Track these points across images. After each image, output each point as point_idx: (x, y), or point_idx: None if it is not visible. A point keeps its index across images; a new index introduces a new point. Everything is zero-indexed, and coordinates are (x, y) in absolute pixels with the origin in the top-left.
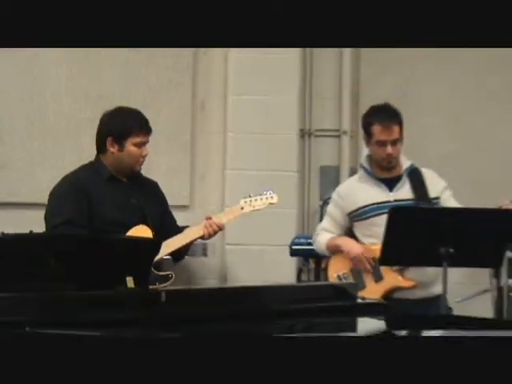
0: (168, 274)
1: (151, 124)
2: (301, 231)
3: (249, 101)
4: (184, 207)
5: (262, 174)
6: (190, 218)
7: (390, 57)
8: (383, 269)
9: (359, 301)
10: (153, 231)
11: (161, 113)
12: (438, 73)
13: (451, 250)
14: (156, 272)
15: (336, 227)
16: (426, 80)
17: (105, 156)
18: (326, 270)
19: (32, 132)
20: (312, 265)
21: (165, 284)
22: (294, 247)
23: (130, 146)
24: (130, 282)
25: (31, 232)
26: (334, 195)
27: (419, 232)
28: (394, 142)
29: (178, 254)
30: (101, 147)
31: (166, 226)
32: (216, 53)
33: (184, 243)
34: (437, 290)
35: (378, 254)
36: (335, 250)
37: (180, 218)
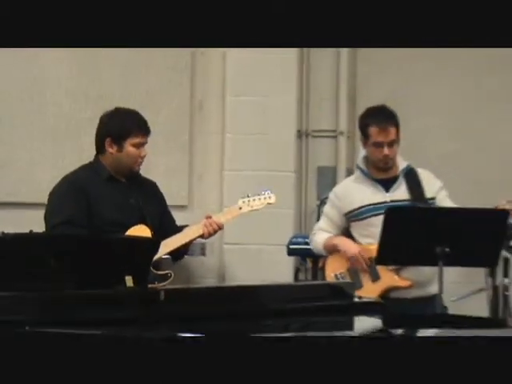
0: (167, 273)
1: (150, 124)
2: (298, 231)
3: (247, 102)
4: (182, 207)
5: (260, 174)
6: (188, 217)
7: (389, 57)
8: (380, 268)
9: (356, 300)
10: (152, 231)
11: (159, 113)
12: (437, 73)
13: (447, 250)
14: (155, 271)
15: (333, 227)
16: (425, 80)
17: (104, 156)
18: (323, 269)
19: (32, 132)
20: (309, 264)
21: (164, 283)
22: (291, 247)
23: (128, 147)
24: (129, 281)
25: (31, 232)
26: (331, 195)
27: (415, 232)
28: (391, 144)
29: (178, 253)
30: (100, 148)
31: (165, 226)
32: (214, 53)
33: (184, 242)
34: (433, 289)
35: (374, 253)
36: (332, 250)
37: (178, 217)
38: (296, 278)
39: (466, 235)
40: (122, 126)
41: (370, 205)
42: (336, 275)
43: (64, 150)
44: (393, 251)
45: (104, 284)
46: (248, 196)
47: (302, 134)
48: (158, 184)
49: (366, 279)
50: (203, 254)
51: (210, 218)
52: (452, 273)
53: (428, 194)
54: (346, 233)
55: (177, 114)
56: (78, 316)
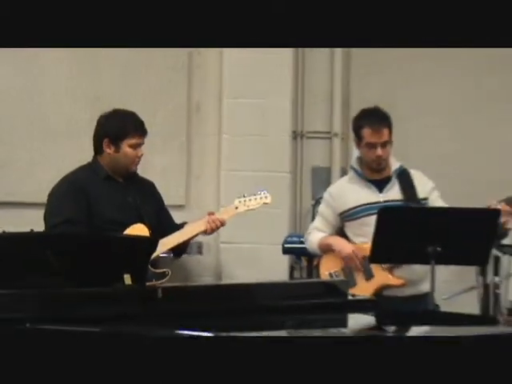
0: (164, 272)
1: (148, 125)
2: (293, 230)
3: (243, 104)
4: (180, 207)
5: (256, 174)
6: (185, 217)
7: (383, 59)
8: (374, 267)
9: (350, 297)
10: (149, 229)
11: (158, 113)
12: (437, 73)
13: (439, 249)
14: (153, 269)
15: (327, 226)
16: (424, 80)
17: (102, 157)
18: (317, 267)
19: (32, 132)
20: (304, 263)
21: (161, 281)
22: (286, 246)
23: (125, 147)
24: (127, 279)
25: (31, 231)
26: (326, 195)
27: (408, 231)
28: (384, 144)
29: (179, 250)
30: (98, 148)
31: (163, 224)
32: (211, 53)
33: (186, 238)
34: (425, 287)
35: (368, 252)
36: (327, 249)
37: (176, 217)
38: (291, 276)
39: (458, 234)
40: (119, 126)
41: (364, 205)
42: (330, 274)
43: (64, 150)
44: (386, 250)
45: (103, 282)
46: (244, 196)
47: (297, 136)
48: (156, 184)
49: (359, 278)
50: (200, 252)
51: (213, 214)
52: (444, 271)
53: (420, 194)
54: (341, 232)
55: (174, 115)
56: (77, 313)
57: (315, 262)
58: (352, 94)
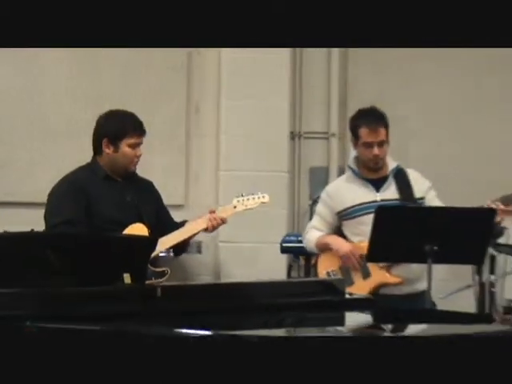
0: (164, 270)
1: (147, 125)
2: (291, 229)
3: (241, 104)
4: (179, 206)
5: (254, 174)
6: (184, 216)
7: (380, 59)
8: (371, 266)
9: (347, 296)
10: (149, 229)
11: (157, 114)
12: (437, 73)
13: (435, 248)
14: (152, 268)
15: (325, 225)
16: (424, 80)
17: (101, 157)
18: (315, 266)
19: (32, 132)
20: (302, 262)
21: (161, 280)
22: (284, 245)
23: (124, 147)
24: (127, 278)
25: (32, 230)
26: (323, 195)
27: (405, 230)
28: (381, 144)
29: (180, 248)
30: (97, 148)
31: (163, 223)
32: (209, 54)
33: (185, 237)
34: (422, 286)
35: (365, 251)
36: (324, 248)
37: (175, 216)
38: (289, 275)
39: (454, 233)
40: (117, 127)
41: (361, 204)
42: (328, 272)
43: (64, 150)
44: (383, 249)
45: (103, 281)
46: (242, 195)
47: (294, 136)
48: (155, 184)
49: (357, 276)
50: (199, 251)
51: (214, 212)
52: (440, 270)
53: (417, 193)
54: (338, 231)
55: (174, 115)
56: (77, 312)
57: (313, 261)
58: (349, 95)
